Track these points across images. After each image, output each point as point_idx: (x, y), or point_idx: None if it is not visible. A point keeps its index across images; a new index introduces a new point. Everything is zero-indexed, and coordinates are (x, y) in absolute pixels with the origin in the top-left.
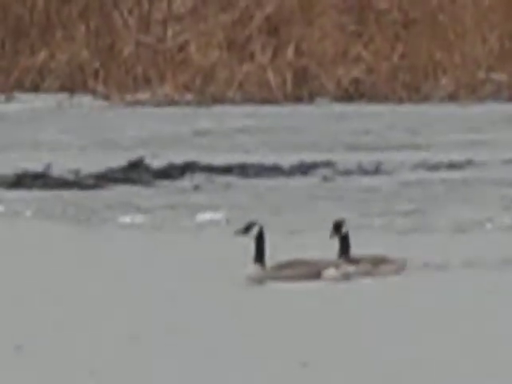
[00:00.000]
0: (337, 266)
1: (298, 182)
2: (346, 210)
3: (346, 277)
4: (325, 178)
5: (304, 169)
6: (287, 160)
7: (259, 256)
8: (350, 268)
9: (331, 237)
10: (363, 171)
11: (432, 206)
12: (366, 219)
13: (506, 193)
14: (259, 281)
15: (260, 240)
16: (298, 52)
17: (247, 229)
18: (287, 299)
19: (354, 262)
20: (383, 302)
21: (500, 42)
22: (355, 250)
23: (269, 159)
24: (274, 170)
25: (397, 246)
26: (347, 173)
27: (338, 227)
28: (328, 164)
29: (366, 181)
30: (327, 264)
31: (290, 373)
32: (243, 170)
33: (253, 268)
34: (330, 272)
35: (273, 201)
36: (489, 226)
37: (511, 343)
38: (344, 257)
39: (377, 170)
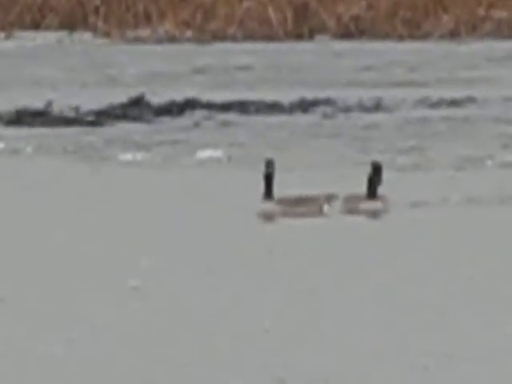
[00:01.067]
0: (328, 202)
1: (298, 119)
2: (346, 146)
3: (351, 212)
4: (325, 115)
5: (304, 106)
6: (287, 97)
7: (270, 192)
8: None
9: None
10: (364, 108)
11: (432, 143)
12: (366, 156)
13: (506, 130)
14: (271, 217)
15: (271, 177)
16: None
17: (268, 167)
18: (297, 234)
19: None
20: (386, 237)
21: None
22: (356, 187)
23: (269, 96)
24: (274, 107)
25: (397, 183)
26: (347, 110)
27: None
28: (328, 101)
29: (367, 118)
30: (326, 199)
31: (293, 303)
32: (243, 107)
33: (266, 204)
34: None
35: (273, 138)
36: (489, 163)
37: (509, 278)
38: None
39: (377, 107)
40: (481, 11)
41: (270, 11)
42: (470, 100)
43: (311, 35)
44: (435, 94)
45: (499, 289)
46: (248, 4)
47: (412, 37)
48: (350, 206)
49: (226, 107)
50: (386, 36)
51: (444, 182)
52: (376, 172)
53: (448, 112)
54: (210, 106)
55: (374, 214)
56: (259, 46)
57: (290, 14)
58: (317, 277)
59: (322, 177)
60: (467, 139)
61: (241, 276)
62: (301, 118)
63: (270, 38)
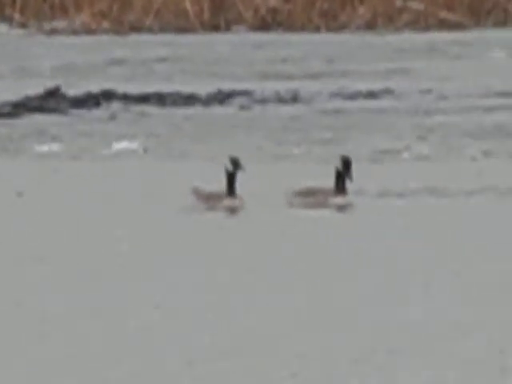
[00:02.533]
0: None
1: (215, 110)
2: (263, 138)
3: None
4: (242, 107)
5: (221, 97)
6: (204, 89)
7: (232, 189)
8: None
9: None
10: (281, 100)
11: (349, 134)
12: (283, 148)
13: (422, 122)
14: (235, 212)
15: (235, 175)
16: None
17: (235, 165)
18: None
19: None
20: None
21: None
22: (274, 179)
23: (186, 88)
24: (191, 99)
25: (314, 175)
26: (264, 101)
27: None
28: (245, 93)
29: (284, 109)
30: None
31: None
32: (160, 99)
33: (231, 200)
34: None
35: (190, 130)
36: (405, 154)
37: (426, 269)
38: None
39: (294, 99)
40: (398, 2)
41: (187, 3)
42: (387, 92)
43: (228, 27)
44: (352, 85)
45: (409, 278)
46: None
47: (329, 28)
48: (318, 201)
49: (142, 99)
50: (302, 28)
51: (361, 174)
52: (345, 167)
53: (364, 104)
54: (126, 98)
55: (341, 209)
56: (176, 37)
57: (206, 6)
58: (288, 267)
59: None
60: (384, 131)
61: (199, 268)
62: (217, 110)
63: (186, 29)
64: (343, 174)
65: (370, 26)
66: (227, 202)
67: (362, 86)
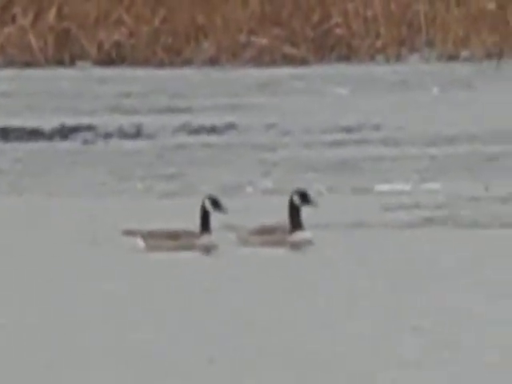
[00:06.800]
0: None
1: (58, 145)
2: (106, 174)
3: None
4: (85, 142)
5: (64, 132)
6: (48, 124)
7: (207, 226)
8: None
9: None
10: (124, 135)
11: (193, 169)
12: (126, 183)
13: (266, 157)
14: (211, 249)
15: (207, 211)
16: (60, 15)
17: (215, 204)
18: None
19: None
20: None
21: (261, 6)
22: (116, 215)
23: (30, 123)
24: (35, 134)
25: (157, 210)
26: (108, 136)
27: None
28: (89, 127)
29: (127, 144)
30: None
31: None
32: (3, 134)
33: (204, 238)
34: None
35: (33, 165)
36: (249, 189)
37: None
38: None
39: (137, 134)
40: (242, 38)
41: (31, 37)
42: (231, 127)
43: (72, 61)
44: (196, 120)
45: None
46: (8, 30)
47: (172, 63)
48: (276, 238)
49: None
50: (146, 62)
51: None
52: (303, 199)
53: (208, 139)
54: None
55: (299, 246)
56: (20, 72)
57: (50, 41)
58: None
59: (83, 204)
60: (228, 166)
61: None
62: (61, 145)
63: (30, 64)
64: (298, 210)
65: (214, 61)
66: (204, 239)
67: (206, 121)
